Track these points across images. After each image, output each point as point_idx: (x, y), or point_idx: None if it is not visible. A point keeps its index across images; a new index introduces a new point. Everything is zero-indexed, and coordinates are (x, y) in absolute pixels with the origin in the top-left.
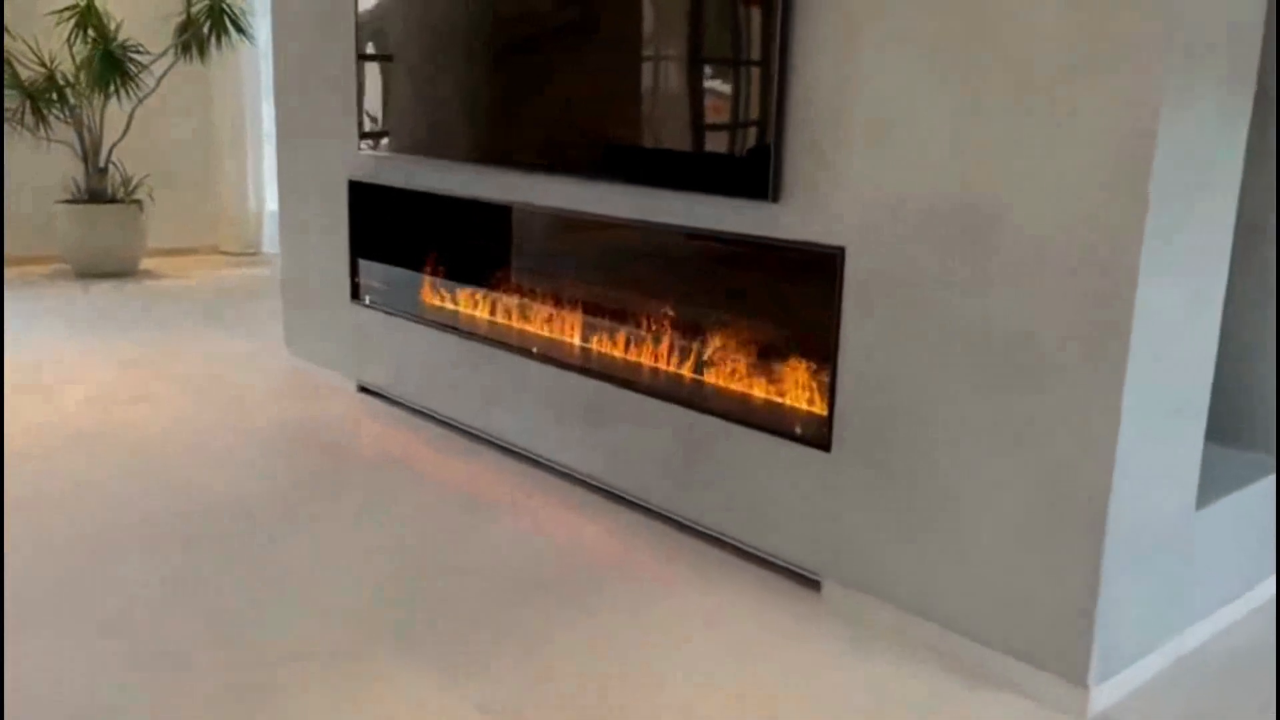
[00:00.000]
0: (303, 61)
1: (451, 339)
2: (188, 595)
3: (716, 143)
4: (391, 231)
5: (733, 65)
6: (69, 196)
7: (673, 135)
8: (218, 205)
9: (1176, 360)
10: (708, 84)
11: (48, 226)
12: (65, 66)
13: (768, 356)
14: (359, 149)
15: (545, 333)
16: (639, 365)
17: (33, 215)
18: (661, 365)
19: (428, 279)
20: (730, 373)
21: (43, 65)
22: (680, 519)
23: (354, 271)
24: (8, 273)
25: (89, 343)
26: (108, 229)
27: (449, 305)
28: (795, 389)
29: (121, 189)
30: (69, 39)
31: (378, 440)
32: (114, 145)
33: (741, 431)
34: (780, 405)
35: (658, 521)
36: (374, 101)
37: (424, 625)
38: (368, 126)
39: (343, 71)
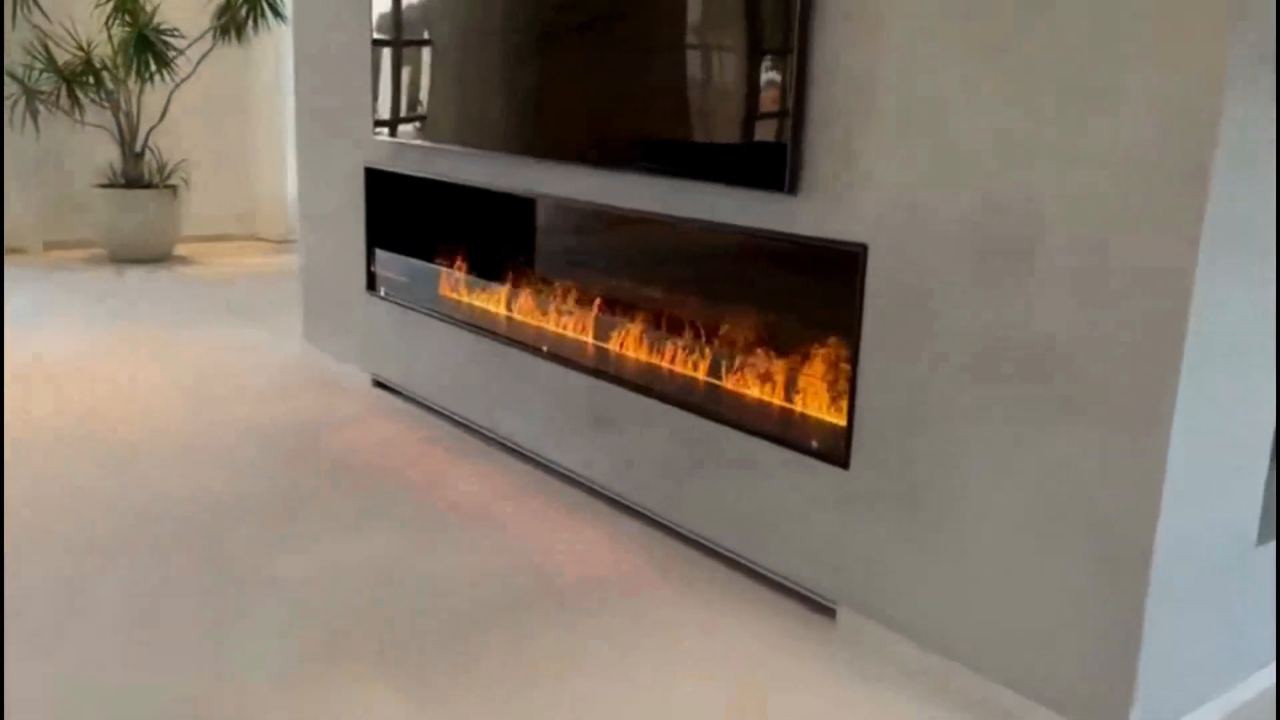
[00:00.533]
0: (320, 44)
1: (462, 334)
2: (152, 606)
3: (732, 132)
4: (409, 221)
5: (751, 50)
6: (105, 181)
7: (688, 124)
8: (255, 191)
9: (1237, 380)
10: (724, 70)
11: (85, 211)
12: (104, 50)
13: (784, 360)
14: (374, 135)
15: (557, 330)
16: (647, 366)
17: (70, 200)
18: (671, 367)
19: (443, 271)
20: (743, 377)
21: (80, 49)
22: (686, 531)
23: (370, 262)
24: (45, 257)
25: (106, 330)
26: (143, 214)
27: (463, 299)
28: (812, 397)
29: (158, 174)
30: (106, 22)
31: (384, 441)
32: (151, 130)
33: (753, 442)
34: (795, 414)
35: (661, 532)
36: (391, 87)
37: (400, 646)
38: (384, 113)
39: (359, 55)
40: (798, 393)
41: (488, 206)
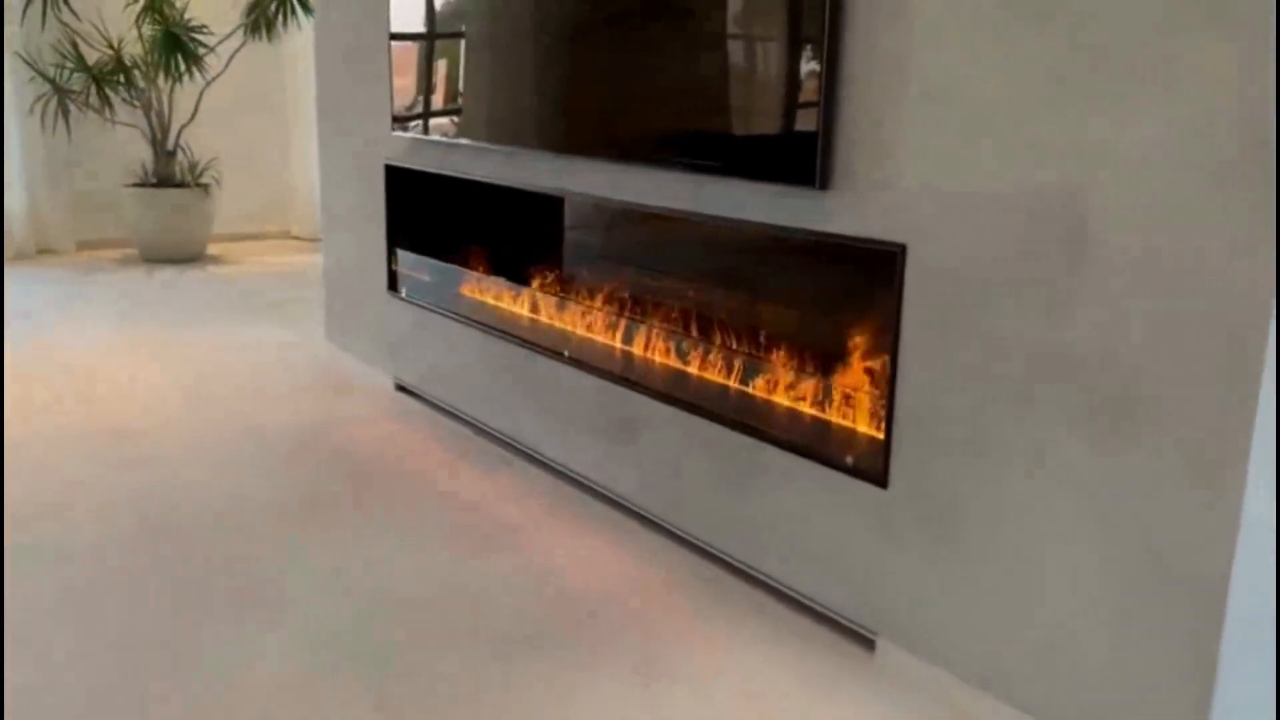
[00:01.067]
0: (341, 38)
1: (484, 337)
2: (145, 616)
3: (759, 123)
4: (430, 220)
5: (778, 36)
6: (136, 180)
7: (714, 116)
8: (289, 188)
9: None
10: (750, 59)
11: (117, 210)
12: (134, 49)
13: (817, 368)
14: (393, 132)
15: (581, 333)
16: (674, 373)
17: (102, 199)
18: (699, 373)
19: (464, 271)
20: (773, 385)
21: (110, 47)
22: (717, 551)
23: (391, 261)
24: (77, 257)
25: (129, 329)
26: (174, 213)
27: (485, 300)
28: (847, 408)
29: (189, 173)
30: (137, 20)
31: (401, 447)
32: (182, 128)
33: (784, 456)
34: (830, 426)
35: (691, 552)
36: (411, 82)
37: (405, 672)
38: (403, 109)
39: (378, 49)
40: (832, 403)
41: (510, 204)
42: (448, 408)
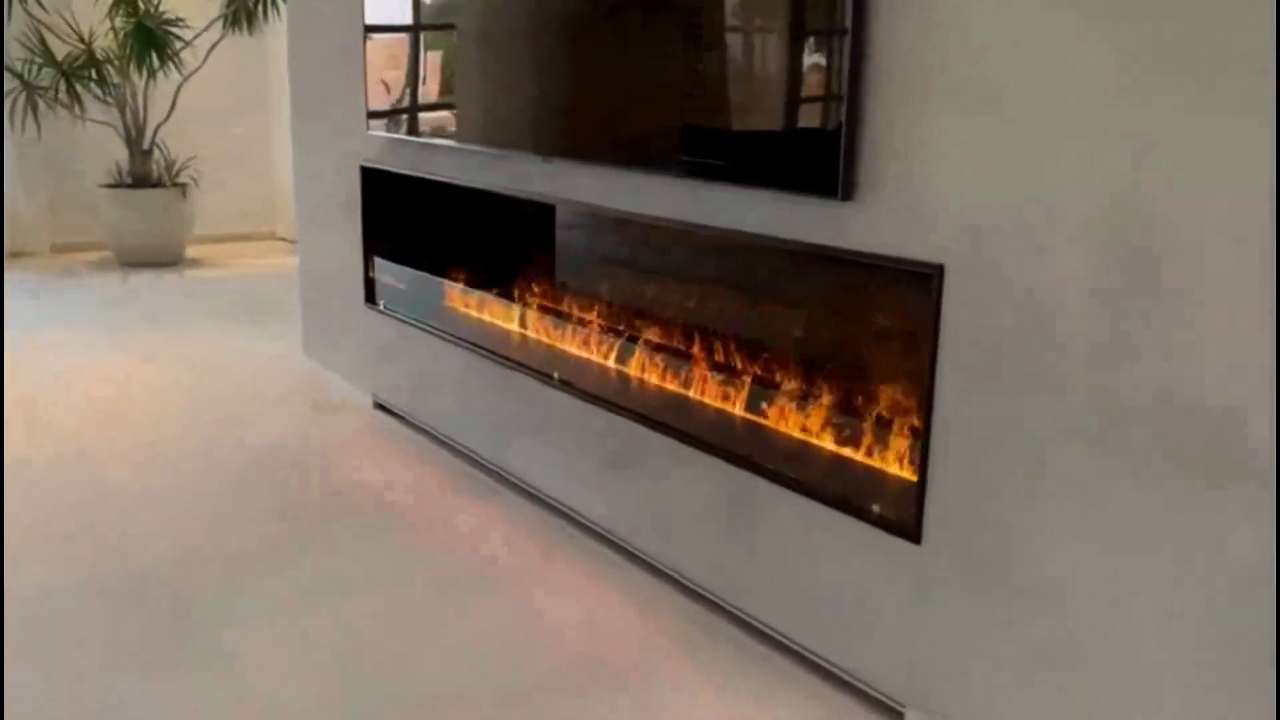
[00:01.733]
0: (314, 30)
1: (468, 356)
2: (81, 682)
3: (772, 124)
4: (410, 227)
5: (794, 21)
6: (111, 181)
7: (721, 115)
8: (272, 188)
9: None
10: (763, 49)
11: (92, 212)
12: (107, 43)
13: (839, 400)
14: (369, 130)
15: (574, 354)
16: (674, 399)
17: (77, 200)
18: (702, 401)
19: (447, 283)
20: (787, 416)
21: (81, 41)
22: (726, 604)
23: (368, 271)
24: (51, 260)
25: (98, 341)
26: (151, 215)
27: (469, 315)
28: (873, 446)
29: (166, 173)
30: (109, 13)
31: (378, 475)
32: (159, 126)
33: (800, 501)
34: (853, 467)
35: (694, 601)
36: (388, 77)
37: None
38: (381, 106)
39: (352, 41)
40: (856, 442)
41: (498, 211)
42: (431, 430)
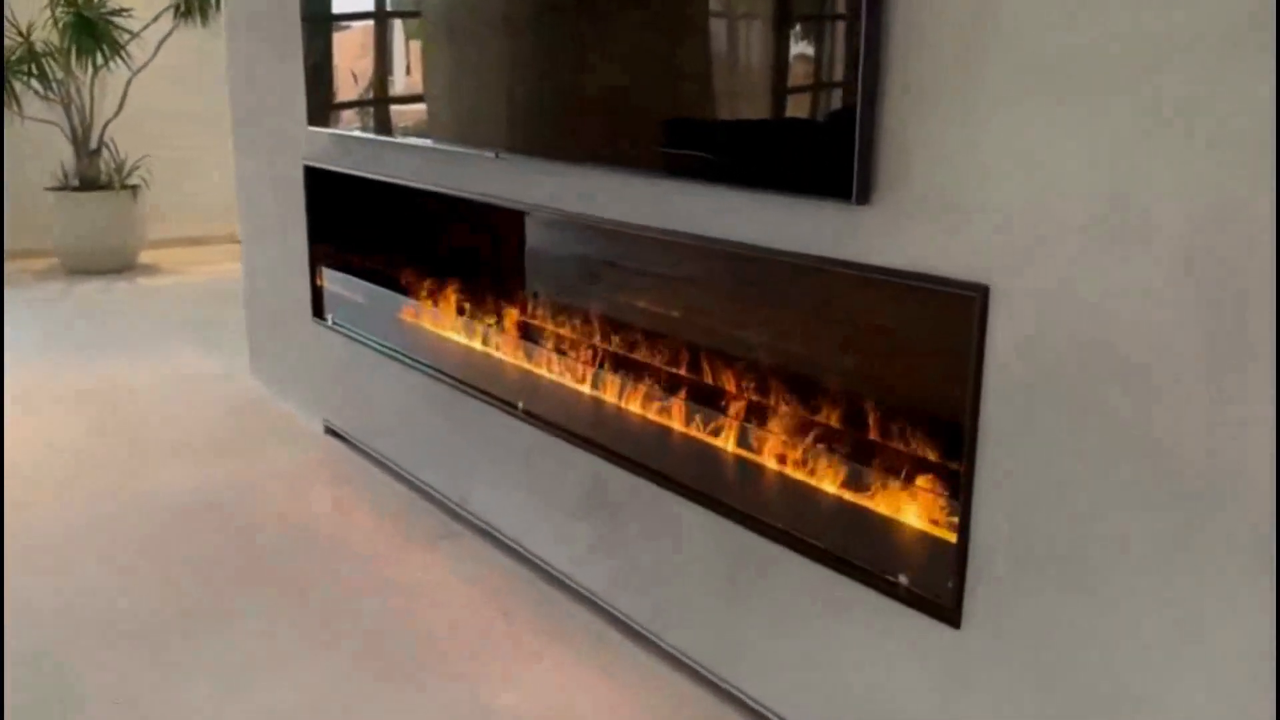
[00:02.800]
0: (251, 21)
1: (424, 379)
2: None
3: (773, 114)
4: (360, 232)
5: None
6: (57, 184)
7: (714, 104)
8: (230, 188)
9: None
10: (755, 22)
11: (38, 216)
12: (48, 34)
13: (855, 449)
14: (310, 126)
15: (542, 375)
16: (659, 435)
17: (21, 205)
18: (691, 437)
19: (401, 296)
20: (793, 462)
21: (20, 34)
22: (723, 684)
23: (315, 283)
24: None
25: (32, 360)
26: (100, 219)
27: (428, 332)
28: (897, 503)
29: (116, 174)
30: (49, 3)
31: (323, 516)
32: (107, 124)
33: (810, 567)
34: (873, 528)
35: (686, 678)
36: (333, 66)
37: None
38: (325, 99)
39: (290, 26)
40: (875, 494)
41: (460, 216)
42: (384, 460)
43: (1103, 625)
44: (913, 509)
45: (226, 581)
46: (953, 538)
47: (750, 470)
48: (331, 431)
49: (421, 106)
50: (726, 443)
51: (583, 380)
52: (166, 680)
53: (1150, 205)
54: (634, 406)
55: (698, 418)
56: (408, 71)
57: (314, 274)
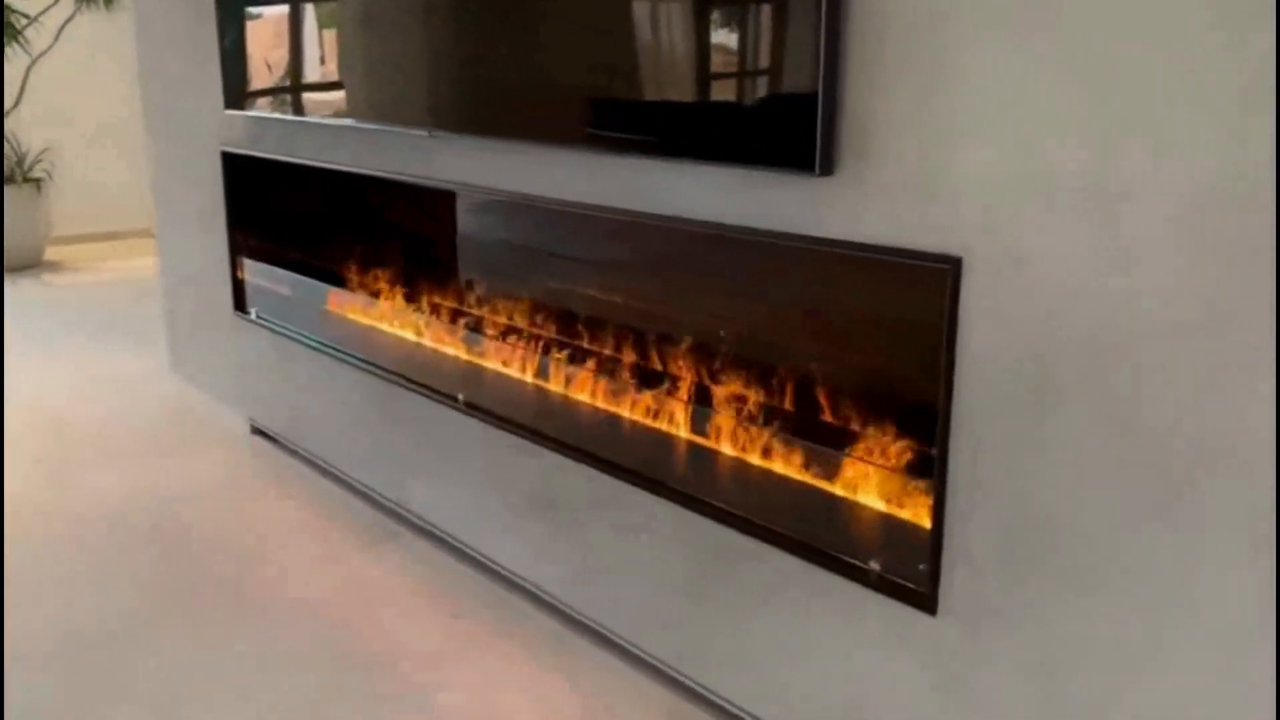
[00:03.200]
0: None
1: (355, 372)
2: None
3: (726, 80)
4: (284, 220)
5: None
6: None
7: (662, 73)
8: (143, 178)
9: None
10: None
11: None
12: None
13: (823, 434)
14: (226, 109)
15: (485, 366)
16: (612, 425)
17: None
18: (648, 433)
19: (329, 286)
20: (753, 449)
21: None
22: (687, 680)
23: (235, 274)
24: None
25: None
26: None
27: (357, 325)
28: (869, 490)
29: (17, 167)
30: None
31: (250, 523)
32: (7, 114)
33: (776, 555)
34: (843, 514)
35: (656, 682)
36: (252, 42)
37: None
38: (243, 77)
39: (204, 9)
40: (843, 478)
41: (387, 200)
42: (315, 460)
43: (1088, 607)
44: (883, 492)
45: (157, 594)
46: (927, 521)
47: (707, 458)
48: (259, 431)
49: (349, 84)
50: (680, 430)
51: (526, 370)
52: (92, 704)
53: (1137, 166)
54: (584, 395)
55: (652, 406)
56: (334, 47)
57: (235, 265)
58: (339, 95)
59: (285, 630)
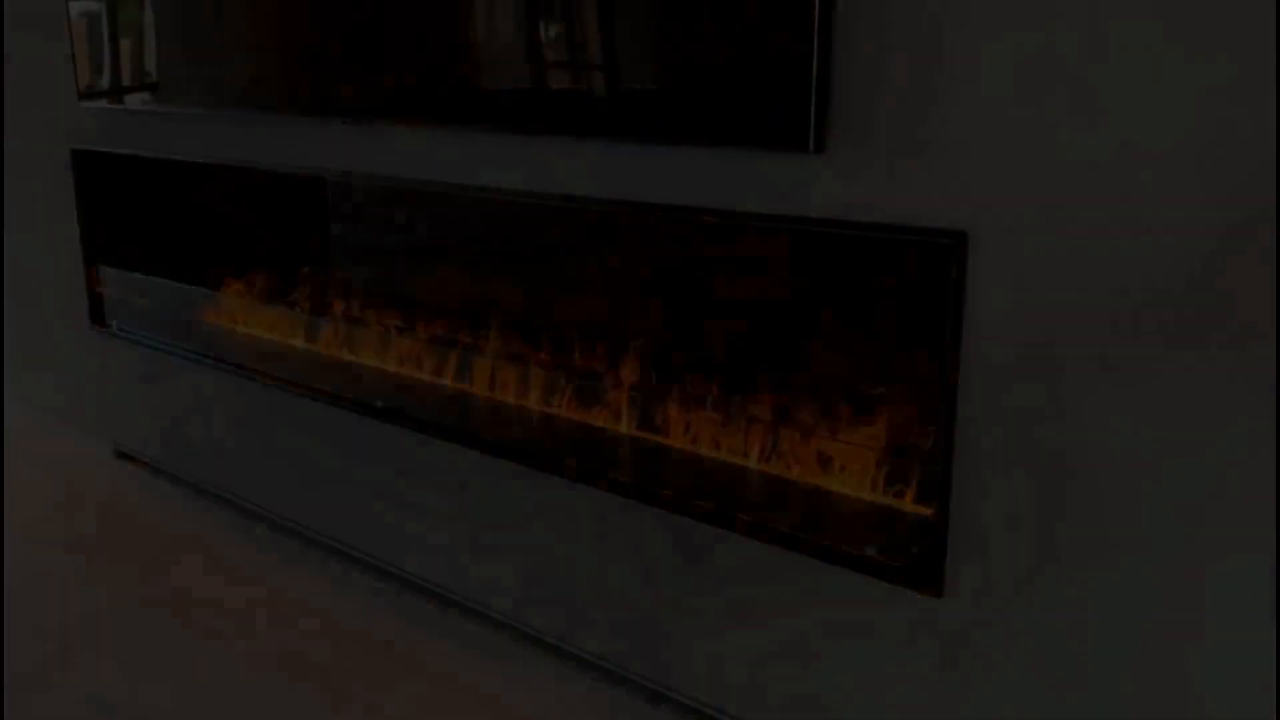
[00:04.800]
0: None
1: (241, 383)
2: None
3: (704, 49)
4: (149, 223)
5: None
6: None
7: (633, 44)
8: None
9: None
10: None
11: None
12: None
13: (821, 417)
14: (81, 102)
15: (394, 369)
16: (554, 420)
17: None
18: (601, 423)
19: (202, 292)
20: (734, 432)
21: None
22: (662, 690)
23: (92, 283)
24: None
25: None
26: None
27: (238, 331)
28: (859, 468)
29: None
30: None
31: (135, 555)
32: None
33: (761, 549)
34: (832, 496)
35: (618, 691)
36: (106, 32)
37: None
38: (97, 67)
39: None
40: (835, 462)
41: (271, 195)
42: (194, 482)
43: (1108, 584)
44: (877, 477)
45: (42, 647)
46: (924, 510)
47: (673, 448)
48: (125, 455)
49: (219, 68)
50: (623, 422)
51: (445, 370)
52: None
53: (1146, 151)
54: (517, 386)
55: (597, 391)
56: (202, 29)
57: (90, 274)
58: (210, 81)
59: (198, 663)
